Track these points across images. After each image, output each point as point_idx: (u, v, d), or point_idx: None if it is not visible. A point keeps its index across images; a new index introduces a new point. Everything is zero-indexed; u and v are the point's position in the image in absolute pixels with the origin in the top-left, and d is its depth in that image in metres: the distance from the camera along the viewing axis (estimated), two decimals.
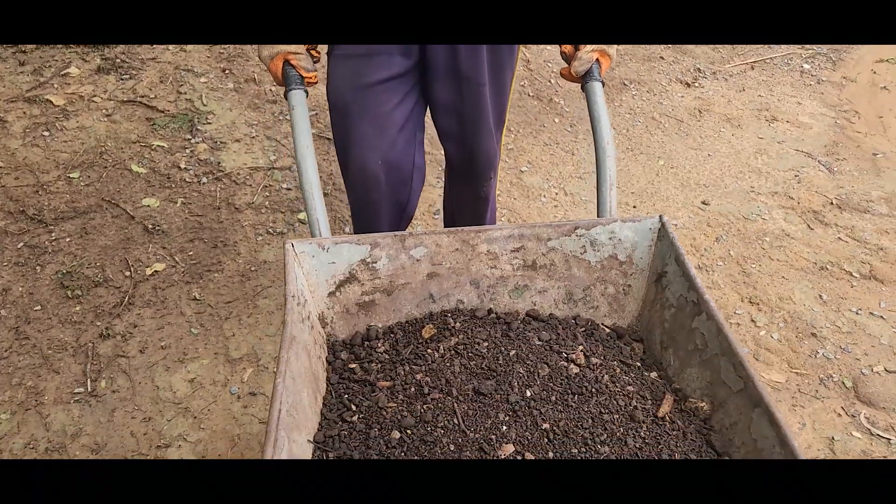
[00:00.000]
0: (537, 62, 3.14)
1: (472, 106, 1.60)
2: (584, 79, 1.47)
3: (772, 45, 3.61)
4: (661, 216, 1.35)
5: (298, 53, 1.42)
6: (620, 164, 2.76)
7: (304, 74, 1.43)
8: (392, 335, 1.42)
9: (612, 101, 3.08)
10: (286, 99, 1.42)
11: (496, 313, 1.47)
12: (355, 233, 1.71)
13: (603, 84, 1.47)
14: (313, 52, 1.46)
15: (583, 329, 1.44)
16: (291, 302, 1.19)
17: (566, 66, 1.50)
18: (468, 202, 1.88)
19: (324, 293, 1.37)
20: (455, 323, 1.44)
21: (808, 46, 3.65)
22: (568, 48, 1.49)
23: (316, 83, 1.49)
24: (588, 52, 1.45)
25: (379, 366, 1.31)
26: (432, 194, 2.53)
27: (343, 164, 1.63)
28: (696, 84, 3.26)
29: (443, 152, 1.77)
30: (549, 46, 3.26)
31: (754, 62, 3.51)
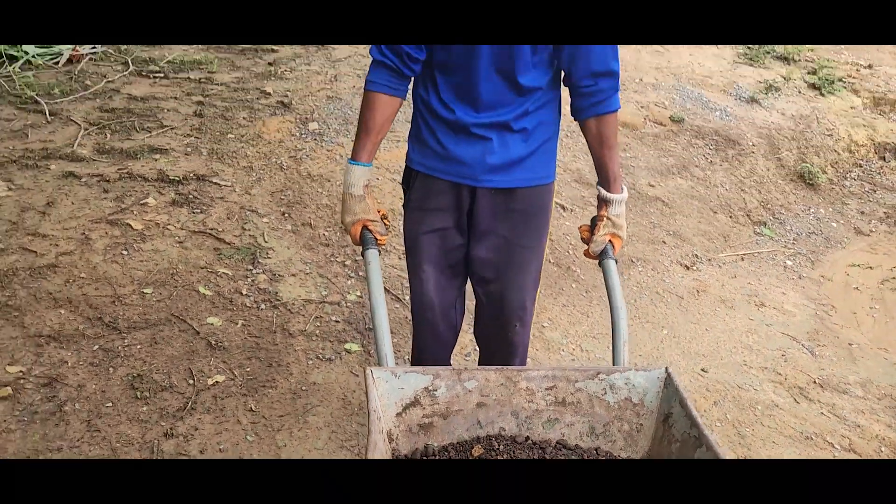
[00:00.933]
0: (557, 234, 3.58)
1: (506, 262, 1.93)
2: (600, 257, 1.87)
3: (758, 242, 4.09)
4: (666, 367, 1.64)
5: (375, 221, 1.81)
6: (628, 329, 3.10)
7: (378, 238, 1.80)
8: (446, 453, 1.66)
9: (621, 275, 3.48)
10: (363, 256, 1.78)
11: (532, 440, 1.71)
12: (413, 347, 2.09)
13: (616, 262, 1.85)
14: (385, 220, 1.86)
15: (603, 459, 1.70)
16: (373, 416, 1.45)
17: (587, 247, 1.89)
18: (496, 346, 2.10)
19: (392, 413, 1.60)
20: (499, 446, 1.70)
21: (789, 246, 4.14)
22: (585, 233, 1.90)
23: (384, 245, 1.89)
24: (602, 235, 1.84)
25: None
26: (464, 338, 2.83)
27: (410, 289, 2.00)
28: (695, 267, 3.69)
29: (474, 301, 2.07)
30: (568, 221, 3.71)
31: (744, 254, 3.97)
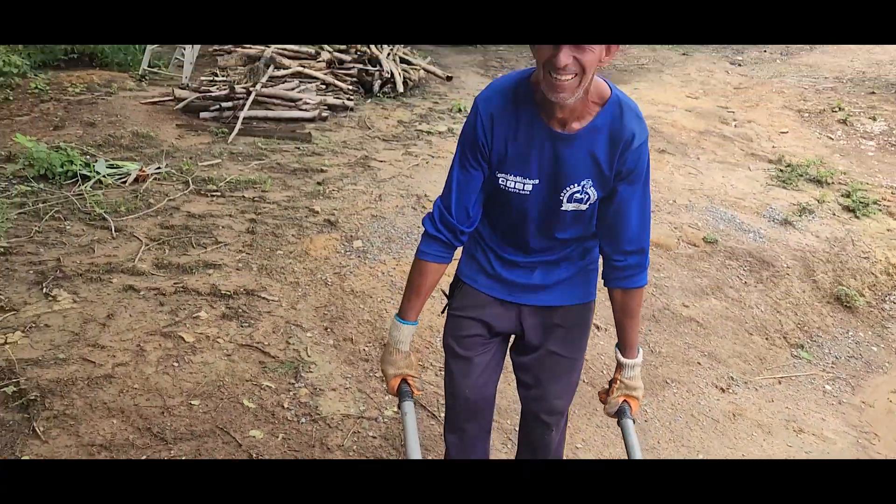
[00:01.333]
0: (592, 354, 3.64)
1: (547, 370, 2.08)
2: (617, 416, 2.01)
3: (795, 365, 4.08)
4: None
5: (414, 376, 2.03)
6: (663, 455, 3.09)
7: (415, 391, 2.01)
8: None
9: (656, 396, 3.50)
10: (400, 408, 1.96)
11: None
12: (445, 433, 2.25)
13: (634, 421, 1.98)
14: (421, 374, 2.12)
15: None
16: None
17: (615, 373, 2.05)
18: (534, 446, 2.27)
19: None
20: None
21: (827, 369, 4.11)
22: (602, 395, 2.09)
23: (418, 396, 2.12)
24: (615, 397, 2.00)
25: None
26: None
27: (445, 390, 2.19)
28: (730, 390, 3.69)
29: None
30: (602, 340, 3.77)
31: (781, 377, 3.95)
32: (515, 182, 1.84)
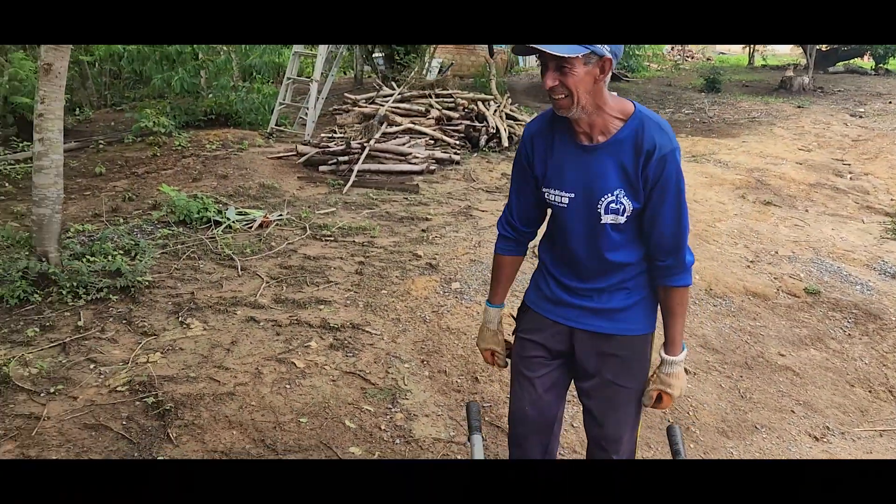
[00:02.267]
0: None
1: (606, 399, 2.18)
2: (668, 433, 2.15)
3: None
4: None
5: (500, 353, 2.33)
6: None
7: (500, 365, 2.31)
8: None
9: (743, 440, 3.51)
10: (469, 440, 2.25)
11: None
12: (508, 447, 2.39)
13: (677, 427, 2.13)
14: (509, 348, 2.32)
15: None
16: None
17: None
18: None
19: None
20: None
21: None
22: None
23: (504, 368, 2.34)
24: (650, 390, 2.11)
25: None
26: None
27: (509, 406, 2.34)
28: (825, 439, 3.63)
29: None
30: (691, 384, 3.83)
31: (883, 430, 3.84)
32: (555, 195, 2.07)
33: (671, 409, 3.60)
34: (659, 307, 2.16)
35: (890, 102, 13.06)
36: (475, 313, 4.37)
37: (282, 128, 10.02)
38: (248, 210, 6.21)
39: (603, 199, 2.01)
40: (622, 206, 2.00)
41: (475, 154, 8.92)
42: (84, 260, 4.63)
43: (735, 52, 27.51)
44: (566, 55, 1.82)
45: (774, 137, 10.65)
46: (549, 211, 2.20)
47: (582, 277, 2.14)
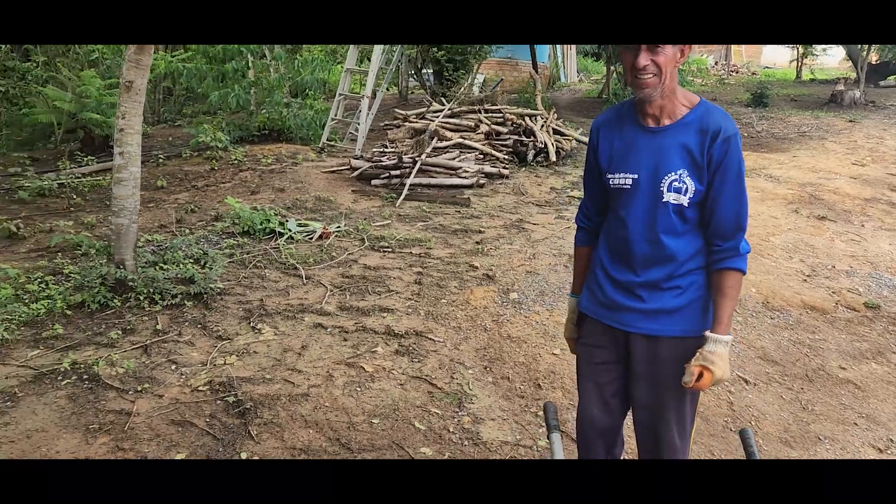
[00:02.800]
0: (740, 405, 3.74)
1: (658, 403, 2.21)
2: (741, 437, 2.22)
3: None
4: None
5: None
6: None
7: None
8: None
9: (807, 450, 3.52)
10: (548, 439, 2.31)
11: None
12: (577, 449, 2.47)
13: (750, 432, 2.19)
14: None
15: None
16: None
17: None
18: None
19: None
20: None
21: None
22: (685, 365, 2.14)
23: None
24: (692, 366, 2.08)
25: None
26: None
27: (577, 410, 2.42)
28: (889, 451, 3.63)
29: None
30: (751, 394, 3.86)
31: None
32: (620, 178, 2.15)
33: (734, 418, 3.64)
34: (713, 291, 2.16)
35: None
36: (534, 322, 4.46)
37: (332, 143, 10.28)
38: (307, 222, 6.41)
39: (666, 177, 2.09)
40: (685, 186, 2.08)
41: (523, 168, 9.03)
42: (157, 268, 4.86)
43: (782, 66, 27.22)
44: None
45: (826, 152, 10.54)
46: (610, 204, 2.28)
47: (634, 268, 2.18)
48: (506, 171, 8.52)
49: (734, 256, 2.15)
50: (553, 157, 9.15)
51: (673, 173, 2.10)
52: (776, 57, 29.84)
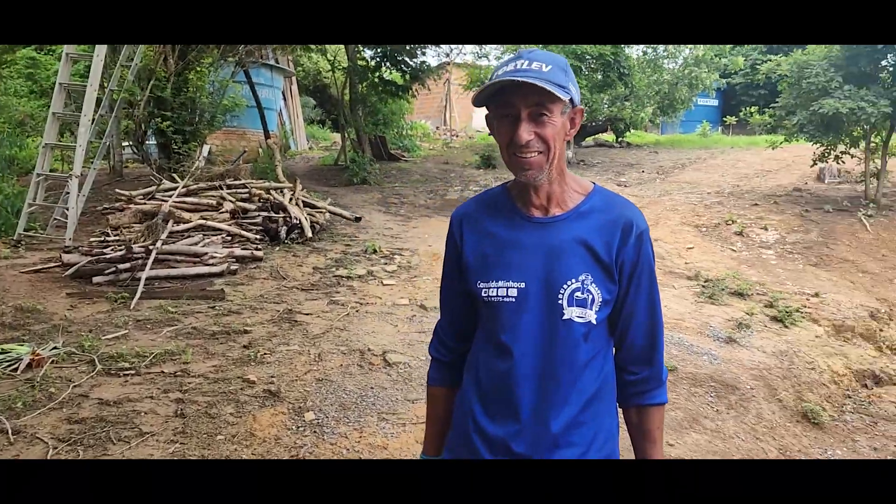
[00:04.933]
0: None
1: None
2: None
3: None
4: None
5: None
6: None
7: None
8: None
9: None
10: None
11: None
12: None
13: None
14: None
15: None
16: None
17: None
18: None
19: None
20: None
21: None
22: None
23: None
24: None
25: None
26: None
27: None
28: None
29: None
30: None
31: None
32: (497, 289, 1.59)
33: None
34: (630, 437, 1.72)
35: (643, 171, 14.50)
36: (345, 450, 3.60)
37: (31, 233, 8.36)
38: (6, 346, 4.80)
39: (566, 286, 1.57)
40: (590, 296, 1.57)
41: (277, 248, 8.09)
42: None
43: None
44: (559, 94, 1.49)
45: None
46: (479, 324, 1.71)
47: (519, 418, 1.59)
48: (259, 253, 7.52)
49: (657, 388, 1.69)
50: (309, 233, 8.37)
51: (574, 280, 1.57)
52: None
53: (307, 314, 5.85)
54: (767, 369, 5.07)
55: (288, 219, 8.41)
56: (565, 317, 1.56)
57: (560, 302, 1.56)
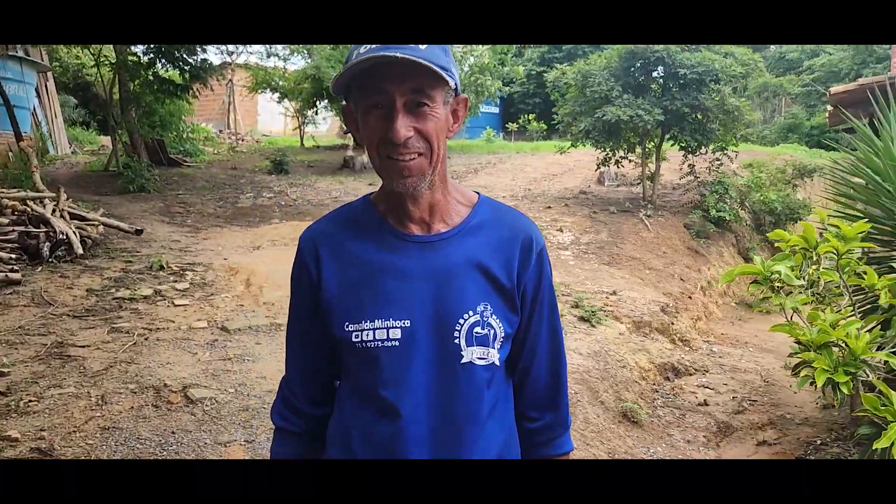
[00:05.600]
0: None
1: None
2: None
3: None
4: None
5: None
6: None
7: None
8: None
9: None
10: None
11: None
12: None
13: None
14: None
15: None
16: None
17: None
18: None
19: None
20: None
21: None
22: None
23: None
24: None
25: None
26: None
27: None
28: None
29: None
30: None
31: None
32: (375, 330, 1.25)
33: None
34: None
35: None
36: None
37: None
38: None
39: (462, 320, 1.26)
40: (491, 331, 1.28)
41: (40, 269, 6.87)
42: None
43: (278, 134, 28.40)
44: (445, 76, 1.19)
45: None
46: (346, 378, 1.36)
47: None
48: (16, 275, 6.31)
49: (563, 435, 1.46)
50: (79, 249, 7.22)
51: (471, 312, 1.27)
52: (272, 125, 31.13)
53: (83, 346, 4.93)
54: (587, 371, 5.14)
55: (52, 233, 7.20)
56: (464, 360, 1.25)
57: (457, 341, 1.25)
